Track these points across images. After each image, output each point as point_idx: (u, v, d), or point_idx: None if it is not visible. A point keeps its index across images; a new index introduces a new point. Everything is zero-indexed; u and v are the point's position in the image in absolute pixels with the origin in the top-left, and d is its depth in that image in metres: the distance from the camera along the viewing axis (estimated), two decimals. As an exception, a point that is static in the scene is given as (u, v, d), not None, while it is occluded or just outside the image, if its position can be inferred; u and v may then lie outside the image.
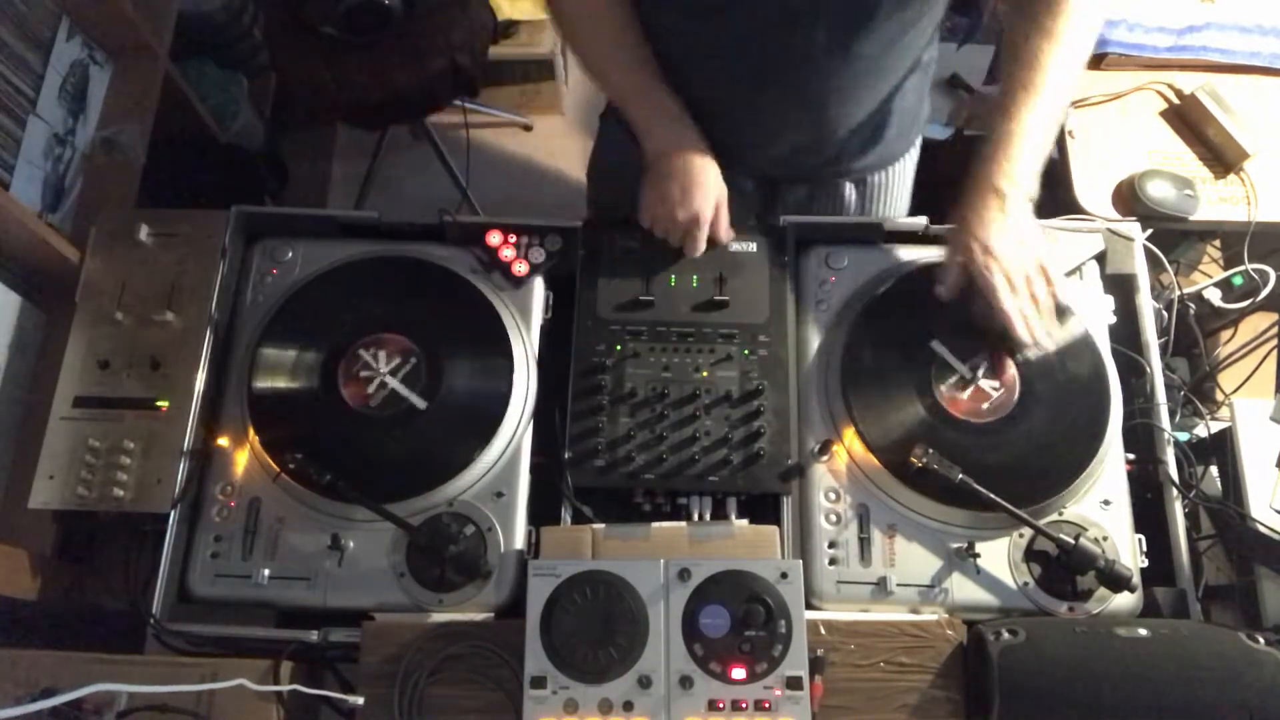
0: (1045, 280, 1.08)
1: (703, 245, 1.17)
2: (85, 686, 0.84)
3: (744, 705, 0.94)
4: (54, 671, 1.00)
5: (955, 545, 1.06)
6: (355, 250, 1.22)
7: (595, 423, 1.12)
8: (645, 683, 0.95)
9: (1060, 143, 1.42)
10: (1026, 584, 1.05)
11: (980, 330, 1.10)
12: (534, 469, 1.11)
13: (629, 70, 1.15)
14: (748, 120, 1.21)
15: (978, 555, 1.04)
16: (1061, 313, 1.12)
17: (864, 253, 1.22)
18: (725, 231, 1.18)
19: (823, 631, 1.01)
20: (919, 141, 1.36)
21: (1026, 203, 1.07)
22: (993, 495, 1.02)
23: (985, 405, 1.10)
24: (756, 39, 1.08)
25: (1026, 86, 1.05)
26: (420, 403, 1.11)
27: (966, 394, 1.11)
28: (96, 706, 0.96)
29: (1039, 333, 1.08)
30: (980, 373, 1.11)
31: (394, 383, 1.12)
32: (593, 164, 1.48)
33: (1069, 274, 1.19)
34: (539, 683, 0.95)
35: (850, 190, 1.33)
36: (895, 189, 1.35)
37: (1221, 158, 1.39)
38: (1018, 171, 1.05)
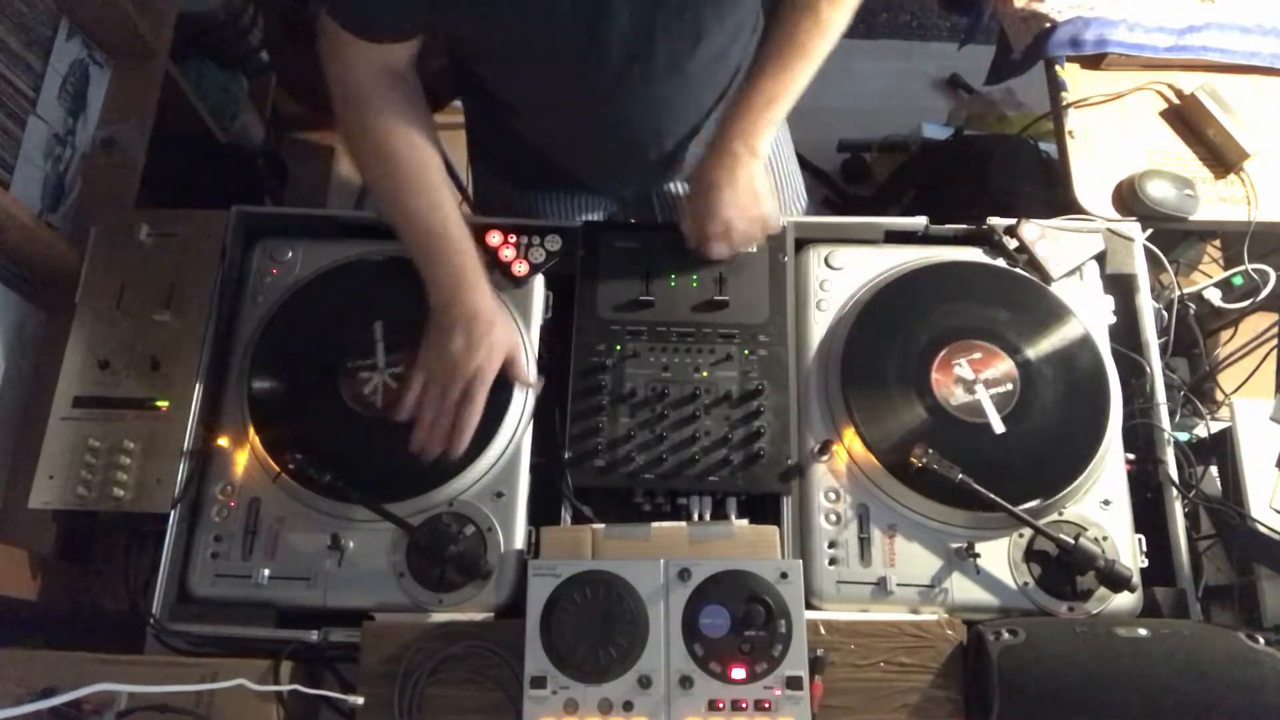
0: (763, 234, 1.16)
1: (479, 405, 1.07)
2: (85, 686, 0.84)
3: (744, 705, 0.94)
4: (54, 671, 1.00)
5: (955, 545, 1.06)
6: (355, 250, 1.22)
7: (595, 423, 1.12)
8: (645, 683, 0.95)
9: (1060, 143, 1.42)
10: (1026, 584, 1.05)
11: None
12: (534, 469, 1.11)
13: (421, 215, 1.09)
14: (596, 150, 1.24)
15: (978, 555, 1.04)
16: (1061, 313, 1.14)
17: (864, 253, 1.22)
18: (527, 381, 1.12)
19: (823, 631, 1.01)
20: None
21: (758, 163, 1.12)
22: (993, 495, 1.02)
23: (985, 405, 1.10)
24: (564, 77, 1.11)
25: (782, 63, 1.10)
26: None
27: (965, 394, 1.11)
28: (96, 706, 0.96)
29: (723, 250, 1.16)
30: (980, 373, 1.11)
31: (394, 384, 1.12)
32: (474, 206, 1.53)
33: (1069, 274, 1.19)
34: (539, 683, 0.95)
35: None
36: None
37: (1221, 158, 1.39)
38: (754, 133, 1.11)
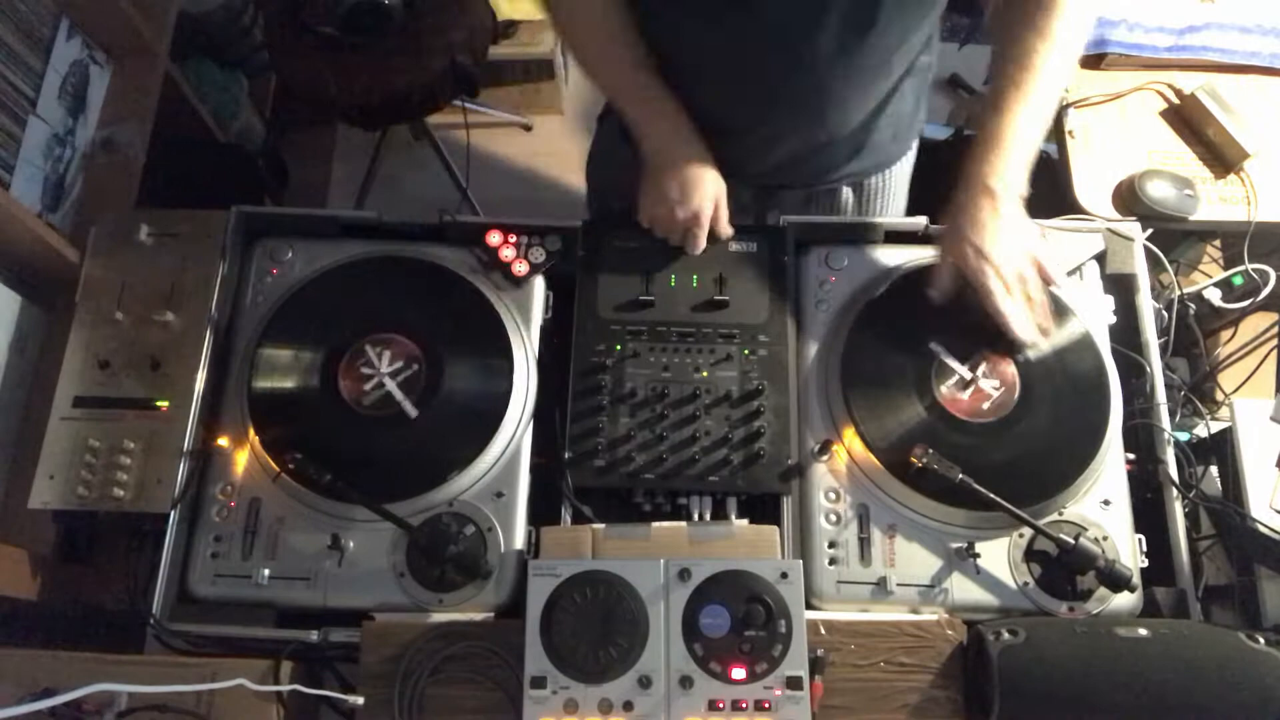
0: (1040, 277, 1.08)
1: (703, 243, 1.17)
2: (85, 686, 0.84)
3: (744, 705, 0.94)
4: (54, 671, 1.01)
5: (955, 545, 1.06)
6: (355, 250, 1.22)
7: (595, 423, 1.12)
8: (645, 683, 0.95)
9: (1060, 143, 1.42)
10: (1026, 584, 1.05)
11: (977, 331, 1.10)
12: (534, 469, 1.11)
13: (626, 69, 1.14)
14: (749, 128, 1.20)
15: (978, 555, 1.04)
16: (1061, 313, 1.12)
17: (864, 253, 1.22)
18: (725, 228, 1.18)
19: (823, 631, 1.01)
20: (915, 146, 1.36)
21: (1018, 201, 1.07)
22: (993, 495, 1.02)
23: (985, 405, 1.10)
24: (760, 45, 1.08)
25: (1018, 85, 1.05)
26: (412, 410, 1.10)
27: (966, 394, 1.11)
28: (96, 706, 0.96)
29: (1034, 331, 1.08)
30: (980, 372, 1.11)
31: (391, 385, 1.12)
32: (591, 161, 1.47)
33: (1069, 274, 1.19)
34: (539, 683, 0.95)
35: (848, 194, 1.33)
36: (891, 192, 1.35)
37: (1221, 158, 1.39)
38: (1008, 170, 1.05)
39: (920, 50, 1.17)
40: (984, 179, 1.05)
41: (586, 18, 1.14)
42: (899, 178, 1.36)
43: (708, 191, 1.15)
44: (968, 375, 1.11)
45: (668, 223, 1.16)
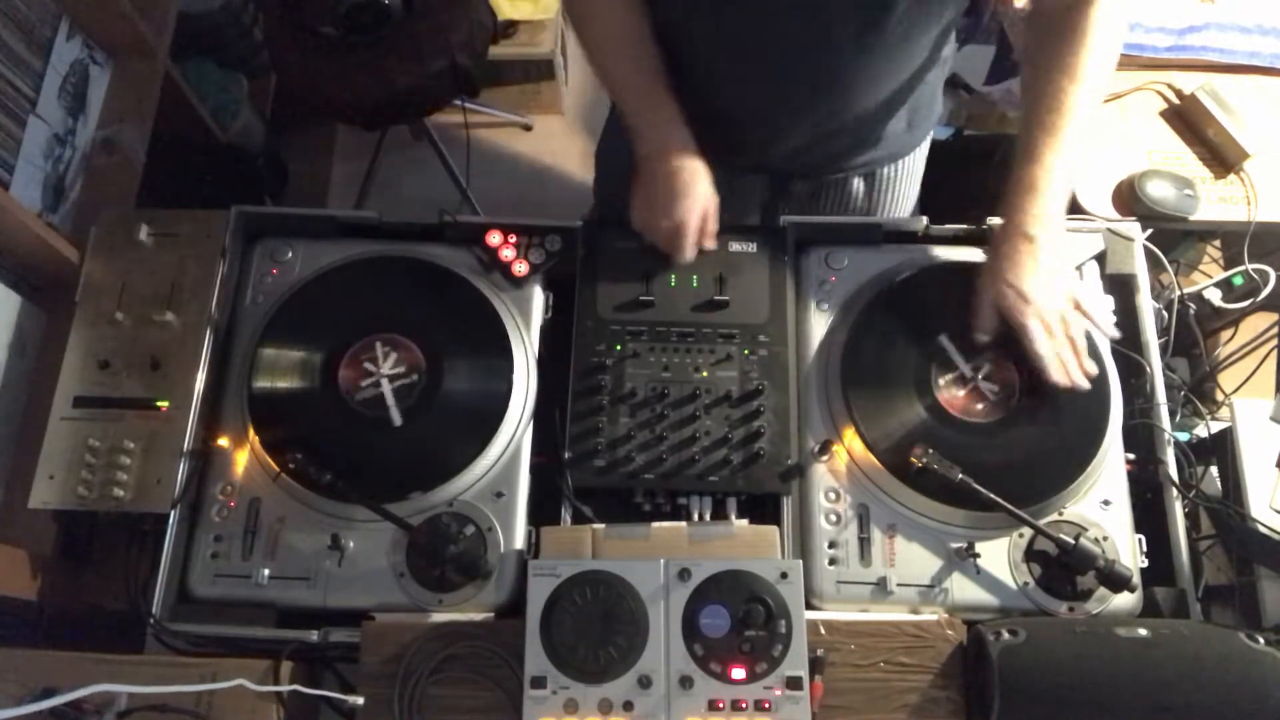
0: (1080, 316, 1.08)
1: (687, 254, 1.16)
2: (85, 686, 0.84)
3: (744, 705, 0.94)
4: (54, 671, 1.01)
5: (955, 545, 1.06)
6: (355, 250, 1.22)
7: (595, 423, 1.12)
8: (645, 683, 0.95)
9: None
10: (1026, 584, 1.05)
11: (1016, 368, 1.10)
12: (534, 469, 1.11)
13: (631, 67, 1.14)
14: (764, 113, 1.20)
15: (978, 555, 1.04)
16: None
17: (864, 253, 1.22)
18: (710, 240, 1.17)
19: (823, 631, 1.01)
20: (929, 139, 1.35)
21: (1056, 244, 1.07)
22: (993, 495, 1.02)
23: (985, 405, 1.10)
24: (777, 22, 1.07)
25: (1049, 129, 1.04)
26: (398, 418, 1.10)
27: (966, 394, 1.11)
28: (96, 706, 0.96)
29: (1074, 374, 1.07)
30: (981, 373, 1.11)
31: (387, 388, 1.12)
32: (600, 151, 1.47)
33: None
34: (539, 683, 0.95)
35: (858, 185, 1.32)
36: (903, 184, 1.35)
37: (1221, 158, 1.39)
38: (1046, 215, 1.05)
39: (941, 40, 1.16)
40: (1023, 227, 1.06)
41: (603, 10, 1.13)
42: (912, 170, 1.35)
43: (695, 201, 1.13)
44: (969, 374, 1.11)
45: (653, 230, 1.16)
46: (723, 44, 1.13)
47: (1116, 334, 1.14)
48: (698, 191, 1.13)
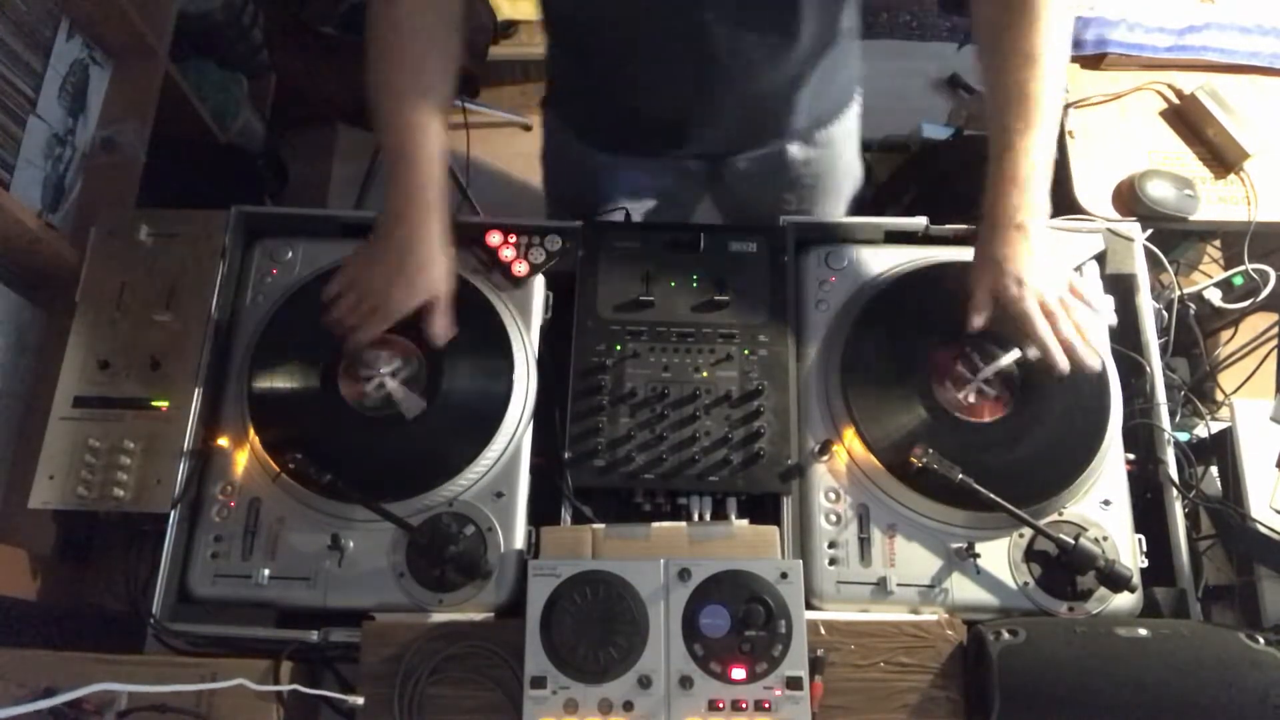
0: (1078, 301, 1.07)
1: (367, 339, 1.08)
2: (85, 686, 0.84)
3: (744, 705, 0.94)
4: (54, 671, 1.00)
5: (955, 545, 1.06)
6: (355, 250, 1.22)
7: (595, 423, 1.12)
8: (645, 683, 0.95)
9: (1060, 143, 1.42)
10: (1026, 584, 1.05)
11: (1016, 368, 1.09)
12: (534, 469, 1.11)
13: (407, 96, 1.04)
14: (680, 104, 1.21)
15: (978, 555, 1.04)
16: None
17: (864, 253, 1.22)
18: (435, 335, 1.09)
19: (823, 631, 1.01)
20: (860, 96, 1.37)
21: (1046, 230, 1.06)
22: (993, 495, 1.02)
23: (985, 405, 1.10)
24: (651, 19, 1.08)
25: (1021, 117, 1.03)
26: (409, 413, 1.10)
27: (967, 394, 1.11)
28: (96, 706, 0.96)
29: (1080, 356, 1.05)
30: (981, 374, 1.11)
31: (391, 385, 1.12)
32: (543, 154, 1.47)
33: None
34: (539, 683, 0.95)
35: (795, 151, 1.33)
36: (843, 142, 1.38)
37: (1221, 158, 1.39)
38: (1032, 204, 1.04)
39: (834, 8, 1.15)
40: (1012, 217, 1.04)
41: (400, 35, 1.04)
42: (849, 128, 1.38)
43: (414, 291, 1.05)
44: (969, 375, 1.11)
45: (363, 293, 1.07)
46: (617, 41, 1.13)
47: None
48: (423, 281, 1.05)
